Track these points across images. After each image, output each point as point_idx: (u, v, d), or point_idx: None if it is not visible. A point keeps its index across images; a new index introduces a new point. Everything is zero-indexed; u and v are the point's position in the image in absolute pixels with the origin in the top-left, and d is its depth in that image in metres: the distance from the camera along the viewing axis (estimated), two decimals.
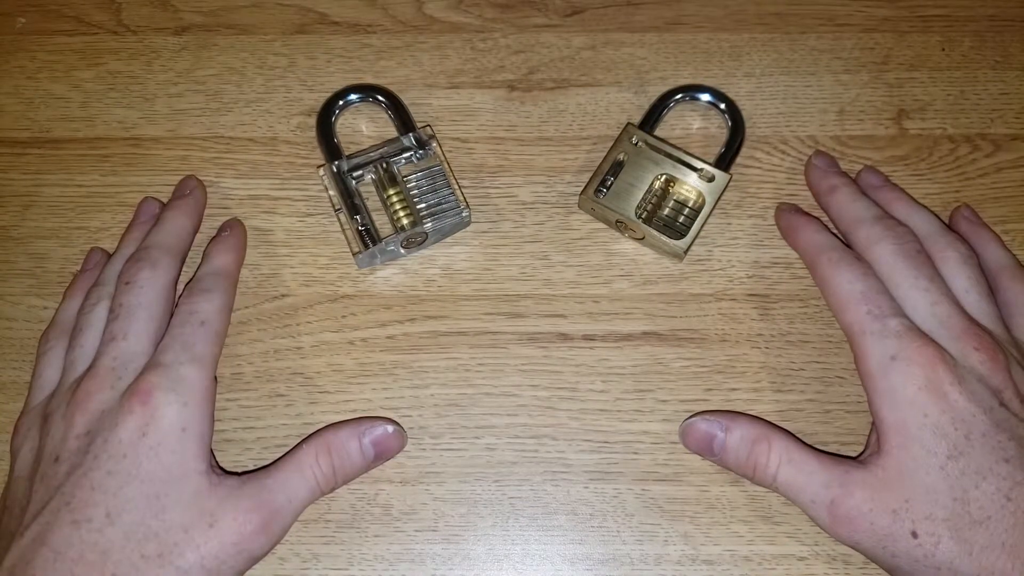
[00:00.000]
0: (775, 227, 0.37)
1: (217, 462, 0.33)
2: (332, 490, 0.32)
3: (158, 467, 0.29)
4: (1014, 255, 0.35)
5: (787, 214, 0.37)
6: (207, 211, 0.38)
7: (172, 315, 0.33)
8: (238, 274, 0.36)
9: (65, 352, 0.33)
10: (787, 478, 0.30)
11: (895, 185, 0.37)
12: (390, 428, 0.33)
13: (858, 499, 0.29)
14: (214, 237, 0.36)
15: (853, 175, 0.38)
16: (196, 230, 0.37)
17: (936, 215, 0.35)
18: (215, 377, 0.31)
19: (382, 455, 0.33)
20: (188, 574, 0.28)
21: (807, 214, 0.36)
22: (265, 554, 0.30)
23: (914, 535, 0.28)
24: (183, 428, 0.29)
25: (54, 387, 0.32)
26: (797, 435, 0.34)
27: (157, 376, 0.30)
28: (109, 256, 0.36)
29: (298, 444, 0.32)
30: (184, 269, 0.36)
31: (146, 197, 0.38)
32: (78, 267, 0.37)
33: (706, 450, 0.32)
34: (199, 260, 0.36)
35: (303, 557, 0.33)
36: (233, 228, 0.36)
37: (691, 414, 0.34)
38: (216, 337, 0.32)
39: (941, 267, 0.33)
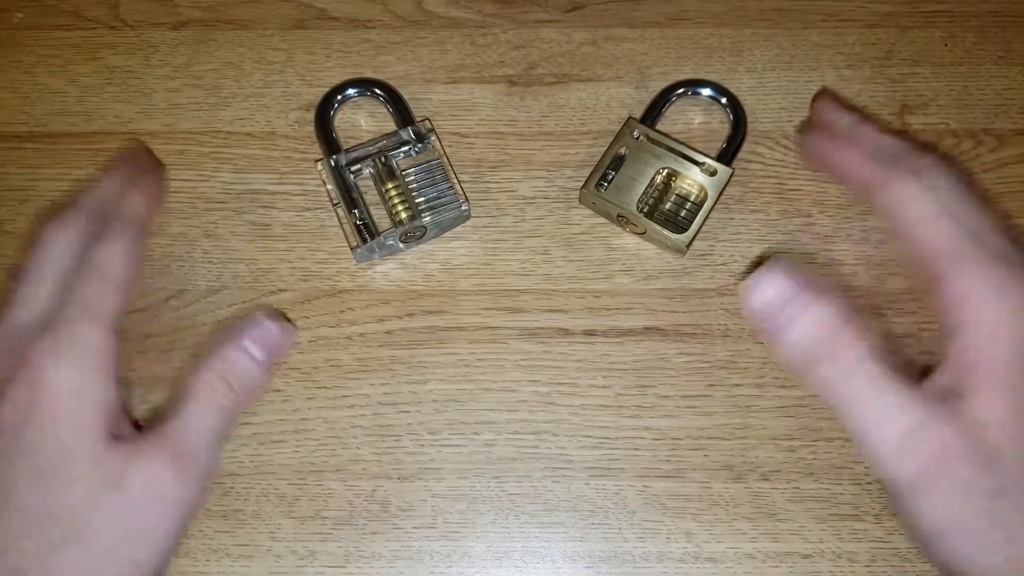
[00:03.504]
0: (777, 221, 0.37)
1: (133, 424, 0.31)
2: (240, 409, 0.29)
3: (50, 441, 0.26)
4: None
5: (821, 140, 0.32)
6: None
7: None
8: (150, 218, 0.32)
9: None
10: (860, 387, 0.25)
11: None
12: (266, 321, 0.30)
13: (954, 428, 0.24)
14: (117, 169, 0.33)
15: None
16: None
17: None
18: (116, 334, 0.28)
19: (272, 352, 0.30)
20: (111, 550, 0.25)
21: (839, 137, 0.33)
22: (198, 500, 0.28)
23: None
24: (76, 394, 0.26)
25: None
26: (800, 431, 0.34)
27: (44, 340, 0.26)
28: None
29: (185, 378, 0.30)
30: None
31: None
32: None
33: (769, 319, 0.27)
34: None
35: (299, 554, 0.32)
36: (139, 161, 0.33)
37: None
38: (116, 289, 0.28)
39: None
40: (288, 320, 0.31)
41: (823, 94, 0.37)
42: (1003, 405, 0.24)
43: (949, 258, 0.26)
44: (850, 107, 0.35)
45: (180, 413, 0.28)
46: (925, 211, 0.27)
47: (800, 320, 0.26)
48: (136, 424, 0.31)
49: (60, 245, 0.29)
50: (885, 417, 0.25)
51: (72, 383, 0.26)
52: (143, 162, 0.35)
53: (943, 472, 0.24)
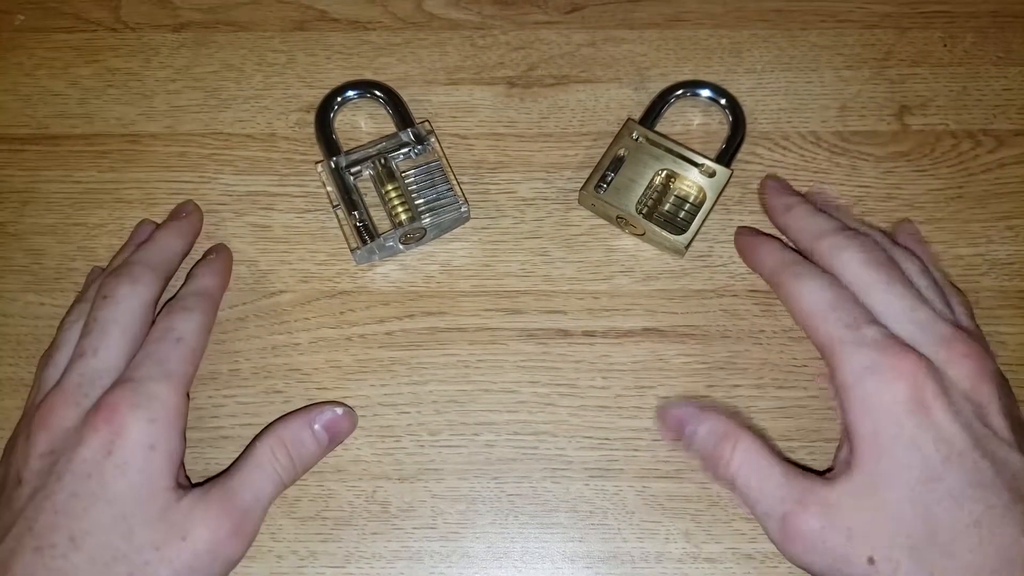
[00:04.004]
0: (776, 223, 0.37)
1: (186, 475, 0.33)
2: (294, 481, 0.32)
3: (124, 486, 0.28)
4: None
5: (743, 235, 0.36)
6: (204, 215, 0.37)
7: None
8: (220, 297, 0.35)
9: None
10: (745, 483, 0.29)
11: (841, 205, 0.37)
12: (339, 410, 0.32)
13: (812, 516, 0.27)
14: (199, 259, 0.36)
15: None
16: (186, 253, 0.36)
17: (886, 232, 0.35)
18: (187, 396, 0.31)
19: (335, 438, 0.33)
20: None
21: (764, 233, 0.36)
22: (241, 557, 0.29)
23: (871, 560, 0.27)
24: (150, 446, 0.28)
25: None
26: (799, 432, 0.34)
27: (124, 392, 0.29)
28: None
29: (252, 442, 0.32)
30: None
31: (143, 220, 0.37)
32: (75, 264, 0.37)
33: (677, 436, 0.31)
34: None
35: (300, 555, 0.32)
36: (219, 252, 0.36)
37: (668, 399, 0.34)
38: (192, 356, 0.31)
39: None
40: (350, 408, 0.33)
41: (766, 179, 0.37)
42: (863, 482, 0.28)
43: (829, 348, 0.30)
44: (789, 190, 0.36)
45: (243, 476, 0.30)
46: (807, 308, 0.31)
47: (695, 438, 0.31)
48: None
49: (132, 303, 0.31)
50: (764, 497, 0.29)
51: (148, 435, 0.28)
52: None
53: (807, 549, 0.28)
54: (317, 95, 0.39)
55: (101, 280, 0.33)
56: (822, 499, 0.28)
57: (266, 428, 0.32)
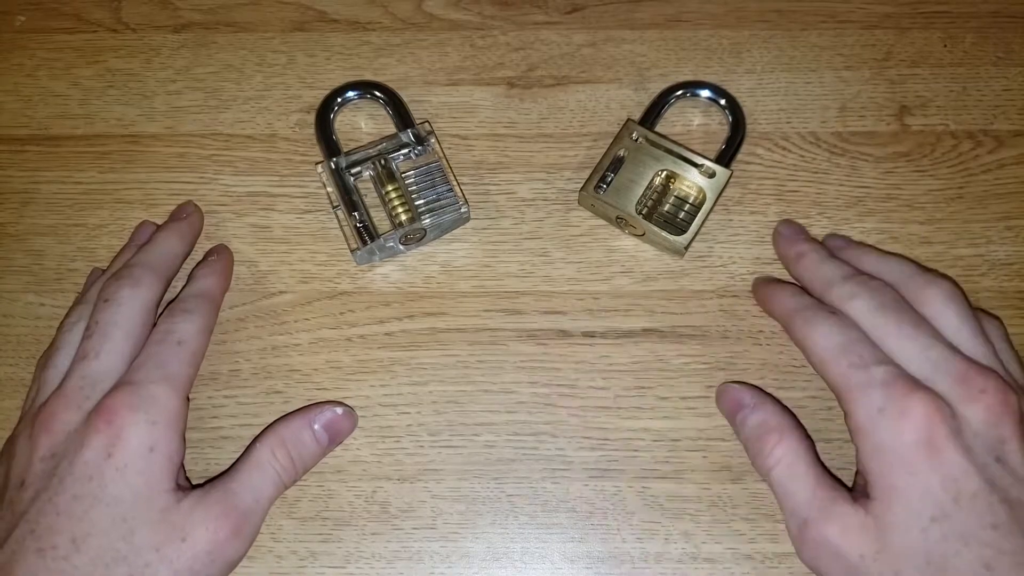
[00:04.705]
0: (776, 223, 0.37)
1: (186, 476, 0.33)
2: (294, 481, 0.32)
3: (124, 489, 0.28)
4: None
5: (761, 285, 0.35)
6: (204, 216, 0.37)
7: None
8: (221, 299, 0.35)
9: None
10: (779, 479, 0.30)
11: (861, 242, 0.36)
12: (339, 410, 0.33)
13: (831, 531, 0.28)
14: (200, 261, 0.36)
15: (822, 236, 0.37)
16: (186, 254, 0.36)
17: (909, 259, 0.34)
18: (188, 398, 0.31)
19: (336, 438, 0.33)
20: None
21: (780, 281, 0.35)
22: (241, 558, 0.30)
23: None
24: (150, 448, 0.28)
25: None
26: None
27: (125, 395, 0.29)
28: None
29: (252, 442, 0.32)
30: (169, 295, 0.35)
31: (144, 221, 0.37)
32: (75, 264, 0.37)
33: (732, 415, 0.32)
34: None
35: (300, 555, 0.32)
36: (220, 253, 0.36)
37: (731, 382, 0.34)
38: (192, 358, 0.31)
39: (925, 309, 0.31)
40: (350, 408, 0.33)
41: (778, 227, 0.37)
42: (875, 521, 0.28)
43: (841, 391, 0.30)
44: (801, 237, 0.36)
45: (243, 476, 0.30)
46: (819, 353, 0.31)
47: (745, 423, 0.32)
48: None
49: (134, 305, 0.31)
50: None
51: (148, 438, 0.29)
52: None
53: (819, 556, 0.29)
54: (317, 96, 0.39)
55: (103, 282, 0.33)
56: (842, 517, 0.28)
57: (266, 429, 0.32)
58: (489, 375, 0.35)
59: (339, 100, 0.39)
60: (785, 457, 0.30)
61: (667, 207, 0.36)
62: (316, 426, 0.32)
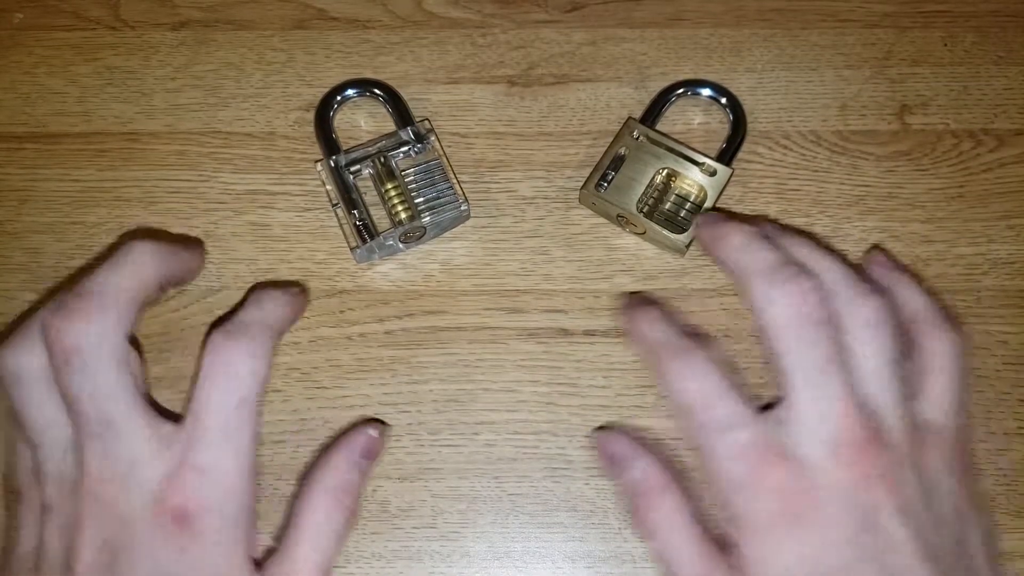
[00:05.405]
0: (777, 222, 0.37)
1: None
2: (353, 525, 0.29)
3: (209, 566, 0.25)
4: (934, 301, 0.31)
5: (627, 307, 0.32)
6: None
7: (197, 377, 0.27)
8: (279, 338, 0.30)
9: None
10: (663, 540, 0.28)
11: (798, 230, 0.34)
12: (373, 432, 0.30)
13: None
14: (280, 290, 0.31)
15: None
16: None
17: (847, 261, 0.30)
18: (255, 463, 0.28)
19: (375, 458, 0.31)
20: None
21: (648, 300, 0.34)
22: None
23: None
24: (226, 536, 0.26)
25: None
26: None
27: (195, 485, 0.26)
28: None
29: (300, 499, 0.29)
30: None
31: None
32: (74, 262, 0.36)
33: (608, 467, 0.30)
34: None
35: None
36: (301, 292, 0.33)
37: (600, 427, 0.33)
38: (257, 415, 0.27)
39: (849, 331, 0.27)
40: (380, 423, 0.32)
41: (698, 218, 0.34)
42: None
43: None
44: (724, 220, 0.32)
45: (306, 546, 0.27)
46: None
47: (622, 481, 0.29)
48: None
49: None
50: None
51: (224, 524, 0.26)
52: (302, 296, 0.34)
53: None
54: (317, 93, 0.39)
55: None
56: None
57: (313, 476, 0.29)
58: (489, 374, 0.35)
59: (339, 98, 0.38)
60: (669, 517, 0.28)
61: (668, 205, 0.36)
62: (359, 457, 0.30)
